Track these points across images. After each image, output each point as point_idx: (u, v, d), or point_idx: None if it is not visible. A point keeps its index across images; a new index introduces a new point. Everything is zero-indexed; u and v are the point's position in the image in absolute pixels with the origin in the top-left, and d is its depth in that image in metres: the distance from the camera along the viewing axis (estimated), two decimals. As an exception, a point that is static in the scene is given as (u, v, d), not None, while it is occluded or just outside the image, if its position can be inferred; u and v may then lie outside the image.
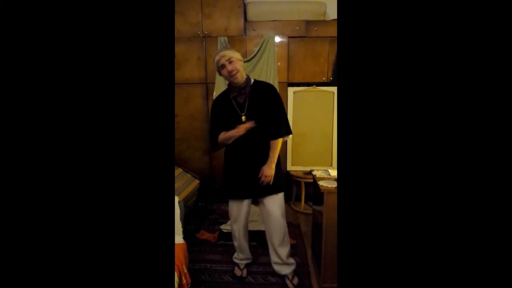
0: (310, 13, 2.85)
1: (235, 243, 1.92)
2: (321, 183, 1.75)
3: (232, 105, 1.68)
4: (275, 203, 1.73)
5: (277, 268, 1.82)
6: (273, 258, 1.82)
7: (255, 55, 2.78)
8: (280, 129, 1.68)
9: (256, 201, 1.85)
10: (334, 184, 1.71)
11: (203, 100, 2.93)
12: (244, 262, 1.97)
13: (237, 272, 1.94)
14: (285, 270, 1.81)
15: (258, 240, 2.30)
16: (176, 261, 1.46)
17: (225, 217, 2.75)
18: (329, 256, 1.73)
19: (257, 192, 1.72)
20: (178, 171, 2.79)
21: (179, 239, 1.64)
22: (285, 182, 1.84)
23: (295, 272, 1.85)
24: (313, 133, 2.89)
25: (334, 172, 1.95)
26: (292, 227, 2.56)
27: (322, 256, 1.74)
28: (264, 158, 1.67)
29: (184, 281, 1.52)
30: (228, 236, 2.37)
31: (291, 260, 1.83)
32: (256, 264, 2.03)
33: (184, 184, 2.65)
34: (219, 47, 2.78)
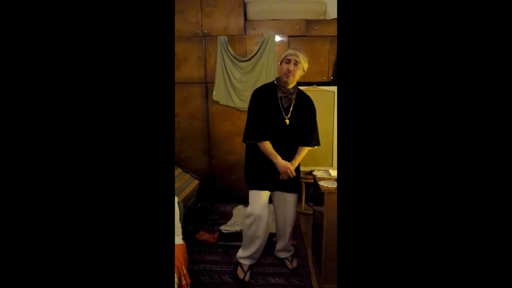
0: (310, 12, 2.84)
1: (246, 238, 1.88)
2: (321, 183, 1.74)
3: (278, 104, 1.74)
4: (292, 198, 1.89)
5: (279, 254, 2.05)
6: (279, 246, 2.02)
7: (255, 54, 2.77)
8: (311, 139, 1.82)
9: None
10: (334, 185, 1.70)
11: (203, 100, 2.92)
12: (249, 262, 1.93)
13: (240, 273, 1.89)
14: (286, 254, 2.05)
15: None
16: (176, 262, 1.45)
17: (225, 218, 2.74)
18: (329, 256, 1.73)
19: (280, 187, 1.84)
20: (177, 171, 2.78)
21: (178, 239, 1.62)
22: (300, 185, 2.03)
23: (293, 256, 2.08)
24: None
25: (334, 173, 1.94)
26: (293, 228, 2.55)
27: (323, 256, 1.74)
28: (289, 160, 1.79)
29: (184, 282, 1.51)
30: (228, 237, 2.36)
31: (291, 247, 2.07)
32: (256, 266, 2.02)
33: (184, 184, 2.64)
34: (218, 47, 2.77)
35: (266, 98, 1.75)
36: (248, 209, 1.84)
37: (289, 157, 1.78)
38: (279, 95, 1.74)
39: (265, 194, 1.84)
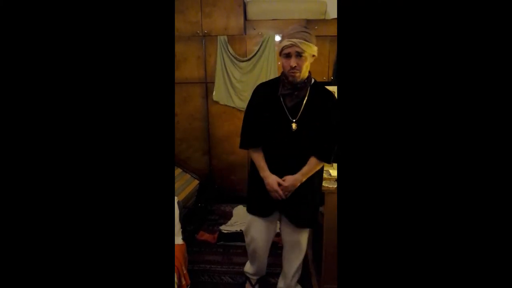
0: (310, 12, 2.84)
1: (249, 253, 1.63)
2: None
3: (280, 104, 1.32)
4: (301, 236, 1.46)
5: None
6: (280, 284, 1.64)
7: (255, 54, 2.76)
8: (330, 154, 1.33)
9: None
10: (334, 185, 1.70)
11: (203, 100, 2.92)
12: (256, 276, 1.71)
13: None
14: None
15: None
16: (176, 262, 1.45)
17: (225, 218, 2.74)
18: (329, 256, 1.72)
19: (287, 214, 1.41)
20: (177, 171, 2.78)
21: (178, 240, 1.62)
22: (316, 219, 1.51)
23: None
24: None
25: (334, 173, 1.94)
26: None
27: (323, 256, 1.74)
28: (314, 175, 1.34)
29: (184, 282, 1.50)
30: (228, 237, 2.36)
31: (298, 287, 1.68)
32: (256, 265, 2.02)
33: (184, 185, 2.64)
34: (218, 47, 2.76)
35: (266, 97, 1.37)
36: (245, 227, 1.54)
37: (294, 169, 1.34)
38: (280, 93, 1.32)
39: (264, 221, 1.46)
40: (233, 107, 2.87)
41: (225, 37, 2.76)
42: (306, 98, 1.31)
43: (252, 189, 1.46)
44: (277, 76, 2.69)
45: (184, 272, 1.52)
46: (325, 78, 2.87)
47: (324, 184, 1.72)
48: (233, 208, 2.93)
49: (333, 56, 2.81)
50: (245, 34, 2.83)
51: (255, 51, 2.76)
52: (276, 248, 2.21)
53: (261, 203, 1.41)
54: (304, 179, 1.33)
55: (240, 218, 2.70)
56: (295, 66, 1.23)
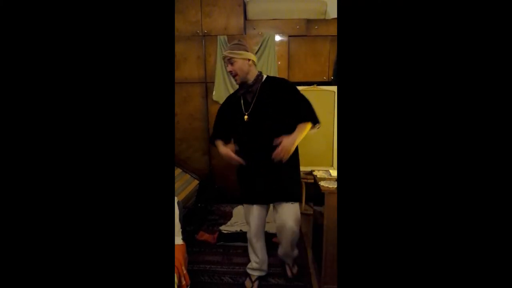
0: (310, 12, 2.84)
1: (249, 250, 1.83)
2: (322, 183, 1.74)
3: (239, 103, 1.62)
4: (289, 212, 1.61)
5: (281, 257, 1.87)
6: (281, 251, 1.82)
7: (255, 54, 2.76)
8: (305, 113, 1.53)
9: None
10: (335, 185, 1.70)
11: (203, 100, 2.92)
12: (257, 273, 1.83)
13: (248, 284, 1.83)
14: (288, 259, 1.87)
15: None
16: (176, 262, 1.45)
17: (225, 218, 2.74)
18: (329, 257, 1.72)
19: (269, 198, 1.63)
20: (177, 171, 2.78)
21: (178, 240, 1.62)
22: (299, 191, 1.74)
23: (296, 261, 1.93)
24: (313, 133, 2.87)
25: (335, 173, 1.93)
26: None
27: (323, 257, 1.73)
28: (271, 160, 1.50)
29: (184, 282, 1.50)
30: (228, 237, 2.36)
31: (295, 252, 1.86)
32: (256, 265, 2.02)
33: (184, 185, 2.64)
34: (218, 46, 2.77)
35: (230, 100, 1.69)
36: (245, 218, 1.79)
37: (259, 155, 1.54)
38: (239, 93, 1.62)
39: (256, 208, 1.68)
40: (233, 107, 2.87)
41: (225, 37, 2.76)
42: (256, 93, 1.58)
43: (240, 181, 1.72)
44: (276, 75, 2.71)
45: (184, 272, 1.52)
46: (325, 78, 2.86)
47: (324, 184, 1.72)
48: (233, 208, 2.93)
49: (333, 56, 2.81)
50: (245, 33, 2.82)
51: (255, 51, 2.76)
52: (276, 249, 2.22)
53: (248, 192, 1.67)
54: (296, 141, 1.50)
55: (240, 218, 2.70)
56: (231, 71, 1.55)
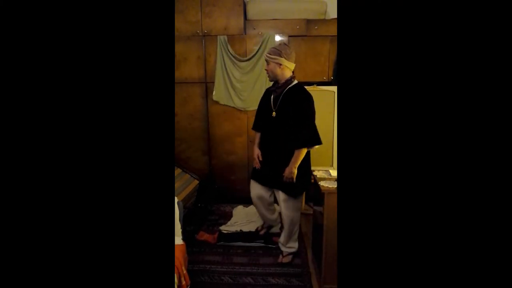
0: (310, 12, 2.84)
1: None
2: (321, 183, 1.74)
3: (270, 98, 1.92)
4: (285, 202, 1.92)
5: (280, 245, 2.11)
6: (281, 238, 2.08)
7: (255, 54, 2.76)
8: (298, 139, 1.77)
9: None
10: (334, 185, 1.70)
11: (203, 100, 2.92)
12: (266, 225, 2.34)
13: (259, 228, 2.38)
14: (284, 248, 2.08)
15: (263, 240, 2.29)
16: (176, 262, 1.45)
17: (225, 218, 2.74)
18: (329, 257, 1.72)
19: (267, 182, 2.00)
20: (177, 171, 2.78)
21: (178, 240, 1.62)
22: (301, 188, 1.93)
23: (293, 255, 2.09)
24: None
25: (334, 173, 1.93)
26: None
27: (323, 257, 1.73)
28: (287, 155, 1.81)
29: (184, 282, 1.50)
30: (228, 237, 2.36)
31: (292, 248, 2.06)
32: (256, 266, 2.02)
33: (184, 185, 2.64)
34: (218, 46, 2.77)
35: (265, 95, 2.00)
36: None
37: (278, 149, 1.86)
38: (271, 89, 1.92)
39: (254, 183, 2.08)
40: (233, 107, 2.87)
41: (225, 37, 2.76)
42: (282, 94, 1.85)
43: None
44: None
45: (184, 272, 1.52)
46: (325, 78, 2.86)
47: (324, 184, 1.72)
48: (233, 208, 2.92)
49: (333, 56, 2.81)
50: (245, 34, 2.82)
51: (255, 51, 2.76)
52: (275, 249, 2.21)
53: (256, 172, 2.06)
54: (294, 167, 1.79)
55: (240, 218, 2.70)
56: (267, 70, 1.86)
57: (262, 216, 2.28)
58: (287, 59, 1.79)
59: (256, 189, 2.10)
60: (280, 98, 1.84)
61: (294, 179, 1.80)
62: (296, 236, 2.05)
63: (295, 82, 1.87)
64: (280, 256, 2.07)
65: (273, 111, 1.86)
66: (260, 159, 1.98)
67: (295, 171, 1.78)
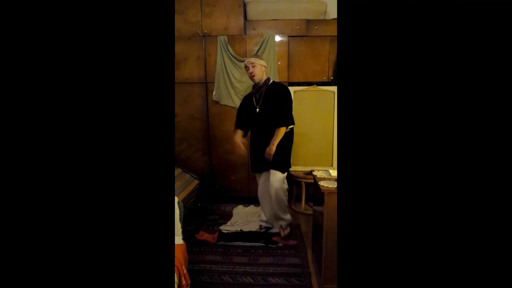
0: (310, 12, 2.84)
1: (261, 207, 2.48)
2: (321, 183, 1.74)
3: (252, 100, 2.26)
4: (275, 177, 2.22)
5: (273, 218, 2.42)
6: (270, 213, 2.41)
7: (255, 54, 2.76)
8: (280, 120, 2.15)
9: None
10: (334, 185, 1.70)
11: (203, 100, 2.92)
12: (265, 224, 2.47)
13: (259, 228, 2.49)
14: (280, 222, 2.35)
15: (262, 239, 2.29)
16: (176, 262, 1.45)
17: (225, 218, 2.74)
18: (329, 257, 1.72)
19: (263, 168, 2.27)
20: (177, 171, 2.78)
21: (178, 239, 1.62)
22: (285, 166, 2.30)
23: (289, 225, 2.38)
24: (313, 133, 2.87)
25: (334, 173, 1.94)
26: (293, 228, 2.55)
27: (323, 257, 1.73)
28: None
29: (184, 282, 1.50)
30: (228, 237, 2.36)
31: (287, 219, 2.36)
32: (256, 265, 2.02)
33: (184, 184, 2.64)
34: (218, 47, 2.77)
35: (246, 98, 2.33)
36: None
37: (267, 136, 2.16)
38: (252, 93, 2.27)
39: (259, 176, 2.37)
40: (233, 107, 2.87)
41: (225, 37, 2.76)
42: (264, 92, 2.21)
43: (250, 156, 2.41)
44: (276, 75, 2.72)
45: (184, 272, 1.52)
46: (325, 78, 2.87)
47: (324, 184, 1.72)
48: (233, 208, 2.93)
49: (332, 56, 2.81)
50: (245, 34, 2.83)
51: (255, 51, 2.76)
52: (275, 249, 2.21)
53: (253, 164, 2.36)
54: (273, 144, 2.13)
55: (240, 218, 2.70)
56: (251, 72, 2.18)
57: (268, 212, 2.44)
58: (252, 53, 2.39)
59: (261, 181, 2.36)
60: (263, 95, 2.20)
61: (271, 156, 2.12)
62: (287, 208, 2.36)
63: (271, 80, 2.26)
64: (281, 231, 2.35)
65: (257, 108, 2.22)
66: (242, 145, 2.27)
67: (274, 148, 2.12)
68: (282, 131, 2.14)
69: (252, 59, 2.17)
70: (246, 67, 2.19)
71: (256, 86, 2.22)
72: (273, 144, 2.12)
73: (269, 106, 2.17)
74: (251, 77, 2.19)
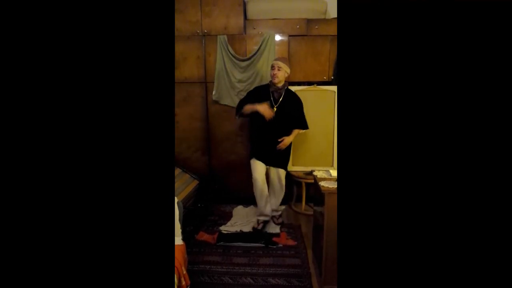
0: (311, 12, 2.83)
1: (256, 200, 2.54)
2: (322, 183, 1.74)
3: (269, 96, 2.38)
4: (278, 173, 2.49)
5: (275, 213, 2.65)
6: (271, 206, 2.58)
7: (255, 53, 2.76)
8: (301, 124, 2.46)
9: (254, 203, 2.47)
10: (335, 185, 1.69)
11: (203, 100, 2.91)
12: (262, 218, 2.53)
13: (255, 225, 2.54)
14: (276, 213, 2.65)
15: (262, 240, 2.29)
16: (175, 263, 1.44)
17: (225, 218, 2.73)
18: (330, 257, 1.72)
19: (270, 162, 2.47)
20: (177, 171, 2.78)
21: (178, 240, 1.62)
22: (287, 163, 2.56)
23: (281, 215, 2.70)
24: (314, 133, 2.86)
25: (335, 173, 1.93)
26: (293, 228, 2.54)
27: (323, 257, 1.73)
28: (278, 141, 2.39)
29: (183, 283, 1.50)
30: (228, 237, 2.36)
31: (281, 209, 2.71)
32: (256, 266, 2.02)
33: (183, 185, 2.63)
34: (218, 46, 2.77)
35: (260, 90, 2.44)
36: (252, 175, 2.50)
37: (278, 134, 2.37)
38: (271, 89, 2.39)
39: (260, 164, 2.45)
40: (233, 107, 2.86)
41: (225, 36, 2.76)
42: (282, 95, 2.39)
43: (252, 143, 2.62)
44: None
45: (184, 272, 1.52)
46: (325, 78, 2.86)
47: (324, 184, 1.72)
48: (233, 208, 2.92)
49: (333, 56, 2.81)
50: (245, 33, 2.82)
51: (255, 51, 2.75)
52: (274, 249, 2.20)
53: (257, 151, 2.48)
54: (291, 139, 2.43)
55: (240, 219, 2.69)
56: (275, 74, 2.32)
57: (262, 202, 2.54)
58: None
59: (261, 171, 2.49)
60: (281, 98, 2.38)
61: (284, 147, 2.38)
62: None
63: (287, 86, 2.46)
64: (279, 218, 2.66)
65: (275, 107, 2.37)
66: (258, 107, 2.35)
67: (288, 142, 2.39)
68: (297, 132, 2.46)
69: (281, 64, 2.31)
70: (273, 67, 2.32)
71: (274, 86, 2.37)
72: (289, 139, 2.40)
73: (287, 109, 2.38)
74: (273, 77, 2.33)
